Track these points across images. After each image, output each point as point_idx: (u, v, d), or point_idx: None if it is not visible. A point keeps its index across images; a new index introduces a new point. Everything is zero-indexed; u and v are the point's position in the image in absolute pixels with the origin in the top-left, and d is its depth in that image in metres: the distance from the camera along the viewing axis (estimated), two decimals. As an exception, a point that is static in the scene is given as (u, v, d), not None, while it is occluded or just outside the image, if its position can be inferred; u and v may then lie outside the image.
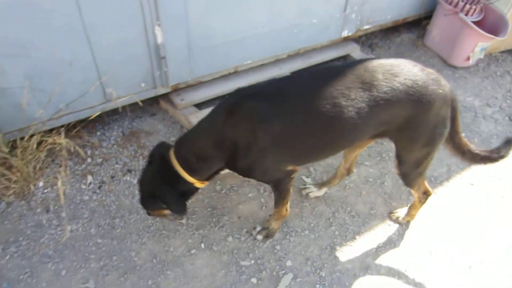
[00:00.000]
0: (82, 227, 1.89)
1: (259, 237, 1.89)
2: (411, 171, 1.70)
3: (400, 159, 1.65)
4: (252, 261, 1.82)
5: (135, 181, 2.09)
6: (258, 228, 1.91)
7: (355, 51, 3.05)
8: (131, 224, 1.91)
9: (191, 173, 1.55)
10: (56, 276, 1.72)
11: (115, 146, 2.25)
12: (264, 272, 1.79)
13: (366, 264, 1.84)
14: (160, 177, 1.54)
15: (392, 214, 2.04)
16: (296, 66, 2.77)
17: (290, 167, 1.60)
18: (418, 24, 3.41)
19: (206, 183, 1.63)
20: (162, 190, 1.53)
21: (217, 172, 1.62)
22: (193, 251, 1.83)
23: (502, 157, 1.71)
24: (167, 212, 1.66)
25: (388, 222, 2.03)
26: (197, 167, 1.55)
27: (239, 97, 1.48)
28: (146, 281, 1.73)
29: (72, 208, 1.95)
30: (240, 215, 1.99)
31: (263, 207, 2.03)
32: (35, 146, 1.88)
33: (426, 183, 1.86)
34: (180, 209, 1.58)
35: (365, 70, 1.45)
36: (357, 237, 1.95)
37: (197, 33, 2.23)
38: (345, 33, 2.98)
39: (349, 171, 2.03)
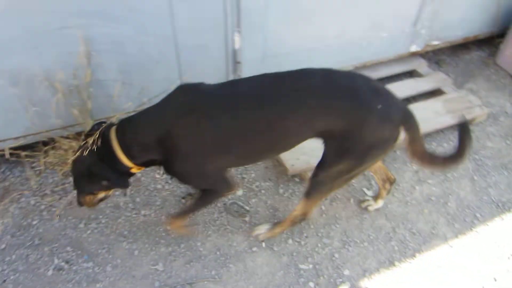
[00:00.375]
0: (154, 213, 2.05)
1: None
2: (327, 181, 1.63)
3: (322, 165, 1.60)
4: (311, 266, 1.87)
5: (203, 175, 2.22)
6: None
7: (422, 67, 3.00)
8: (198, 216, 2.04)
9: (129, 157, 1.55)
10: (130, 255, 1.88)
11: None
12: (321, 277, 1.83)
13: (427, 282, 1.82)
14: (97, 155, 1.53)
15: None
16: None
17: (228, 177, 1.65)
18: (490, 42, 3.27)
19: (143, 168, 1.64)
20: (100, 166, 1.53)
21: (154, 163, 1.63)
22: (254, 249, 1.92)
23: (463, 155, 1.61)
24: (99, 196, 1.69)
25: (450, 243, 1.99)
26: (136, 153, 1.55)
27: (186, 102, 1.52)
28: (210, 271, 1.84)
29: (146, 194, 2.12)
30: (300, 219, 2.05)
31: (323, 215, 2.07)
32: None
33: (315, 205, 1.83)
34: (122, 183, 1.60)
35: (307, 77, 1.51)
36: (417, 254, 1.93)
37: (271, 41, 2.33)
38: (413, 48, 2.94)
39: (390, 180, 1.99)
